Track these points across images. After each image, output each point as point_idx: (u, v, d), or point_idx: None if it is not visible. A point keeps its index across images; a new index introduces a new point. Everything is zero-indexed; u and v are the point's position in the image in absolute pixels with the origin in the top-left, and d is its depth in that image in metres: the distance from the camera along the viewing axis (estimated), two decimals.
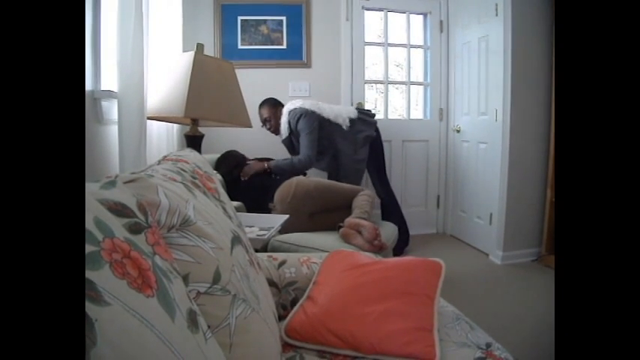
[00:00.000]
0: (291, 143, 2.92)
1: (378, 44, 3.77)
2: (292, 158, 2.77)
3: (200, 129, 2.20)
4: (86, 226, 0.54)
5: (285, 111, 2.87)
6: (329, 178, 2.97)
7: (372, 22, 3.80)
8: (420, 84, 3.92)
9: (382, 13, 3.65)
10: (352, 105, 3.44)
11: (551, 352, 1.44)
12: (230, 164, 2.54)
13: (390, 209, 3.25)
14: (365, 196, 2.19)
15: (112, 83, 1.82)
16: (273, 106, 2.95)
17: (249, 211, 2.12)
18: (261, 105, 2.97)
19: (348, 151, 2.93)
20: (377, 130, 3.09)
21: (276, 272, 1.25)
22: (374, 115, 3.13)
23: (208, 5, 3.33)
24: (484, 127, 3.34)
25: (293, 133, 2.84)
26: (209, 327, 0.70)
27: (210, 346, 0.66)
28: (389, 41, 3.71)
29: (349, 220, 2.02)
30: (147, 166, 0.95)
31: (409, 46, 3.76)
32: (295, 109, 2.82)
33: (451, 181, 3.86)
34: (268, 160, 2.73)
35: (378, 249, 1.90)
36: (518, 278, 2.82)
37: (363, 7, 3.55)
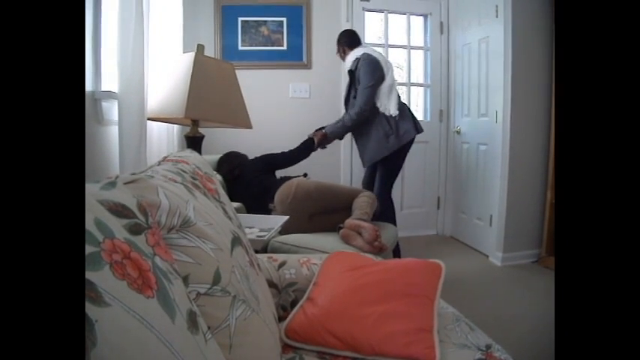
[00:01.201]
0: (352, 77, 2.85)
1: (379, 45, 3.76)
2: (343, 117, 2.80)
3: (200, 130, 2.20)
4: (86, 226, 0.54)
5: (361, 50, 2.83)
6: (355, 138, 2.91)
7: (373, 23, 3.80)
8: (420, 85, 3.92)
9: (382, 14, 3.65)
10: None
11: (551, 354, 1.44)
12: (232, 164, 2.54)
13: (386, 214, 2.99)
14: (365, 197, 2.19)
15: (113, 84, 1.82)
16: (344, 39, 2.95)
17: (249, 211, 2.12)
18: (342, 33, 3.00)
19: (381, 130, 2.76)
20: (411, 142, 2.86)
21: (276, 273, 1.25)
22: (422, 130, 2.90)
23: (209, 6, 3.33)
24: (484, 129, 3.34)
25: (357, 70, 2.79)
26: (209, 328, 0.70)
27: (210, 347, 0.66)
28: (389, 42, 3.71)
29: (349, 221, 2.02)
30: (147, 167, 0.95)
31: (409, 47, 3.76)
32: (370, 56, 2.77)
33: (451, 183, 3.86)
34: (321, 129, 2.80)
35: (378, 250, 1.90)
36: (518, 280, 2.82)
37: (363, 9, 3.56)
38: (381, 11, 3.63)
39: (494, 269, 3.06)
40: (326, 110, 3.46)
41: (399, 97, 2.90)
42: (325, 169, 3.42)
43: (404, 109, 2.83)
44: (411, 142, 2.85)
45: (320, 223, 2.18)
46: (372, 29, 3.82)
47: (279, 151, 2.71)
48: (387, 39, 3.69)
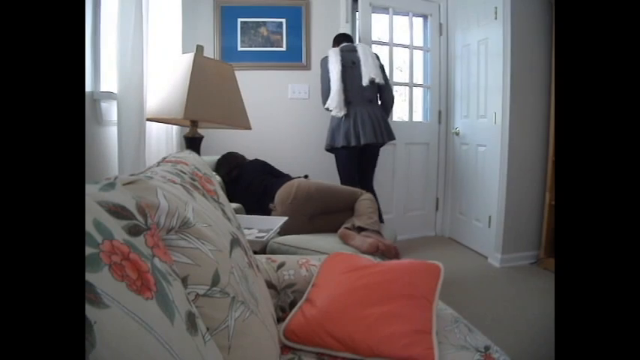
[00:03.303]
0: None
1: (382, 43, 3.64)
2: None
3: (199, 131, 2.20)
4: (86, 228, 0.54)
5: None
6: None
7: (373, 24, 3.78)
8: (419, 86, 3.90)
9: (380, 15, 3.62)
10: None
11: (551, 355, 1.44)
12: (231, 165, 2.54)
13: None
14: (368, 201, 2.18)
15: (112, 84, 1.82)
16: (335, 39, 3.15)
17: (248, 212, 2.12)
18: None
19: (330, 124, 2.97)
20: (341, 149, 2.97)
21: (275, 274, 1.25)
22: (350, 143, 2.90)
23: (208, 7, 3.33)
24: (483, 130, 3.34)
25: None
26: (208, 329, 0.70)
27: (209, 348, 0.66)
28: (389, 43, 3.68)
29: (369, 237, 1.96)
30: (146, 168, 0.95)
31: (412, 47, 3.71)
32: (326, 57, 3.00)
33: (450, 184, 3.86)
34: None
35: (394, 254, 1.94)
36: (516, 281, 2.82)
37: (370, 5, 3.45)
38: (385, 10, 3.57)
39: (493, 270, 3.06)
40: (325, 111, 3.46)
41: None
42: (325, 170, 3.42)
43: (345, 118, 2.88)
44: (342, 148, 2.92)
45: (320, 224, 2.17)
46: (373, 31, 3.79)
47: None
48: (391, 38, 3.60)
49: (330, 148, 3.02)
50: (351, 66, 2.90)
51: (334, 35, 3.29)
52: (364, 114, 2.87)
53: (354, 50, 2.96)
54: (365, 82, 2.86)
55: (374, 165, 3.16)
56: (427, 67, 3.83)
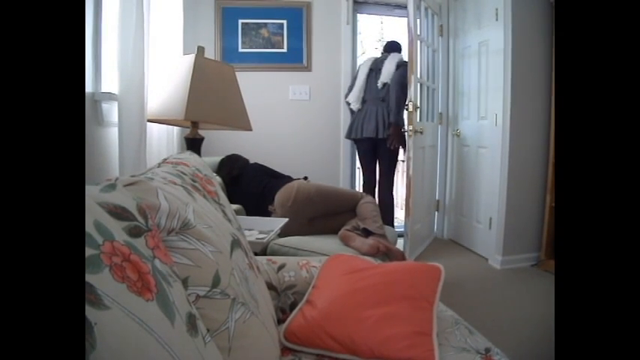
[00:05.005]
0: None
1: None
2: None
3: (200, 132, 2.20)
4: (86, 229, 0.54)
5: None
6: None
7: (370, 25, 3.79)
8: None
9: (378, 17, 3.63)
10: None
11: (551, 357, 1.44)
12: (232, 166, 2.54)
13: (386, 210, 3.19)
14: (370, 205, 2.18)
15: (113, 85, 1.82)
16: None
17: (248, 214, 2.12)
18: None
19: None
20: (355, 141, 3.38)
21: (276, 276, 1.25)
22: (353, 136, 3.30)
23: (209, 8, 3.34)
24: (484, 132, 3.34)
25: None
26: (208, 331, 0.70)
27: (209, 349, 0.66)
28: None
29: (377, 241, 1.97)
30: (147, 169, 0.95)
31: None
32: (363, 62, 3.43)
33: (451, 186, 3.85)
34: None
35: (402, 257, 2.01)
36: (517, 283, 2.82)
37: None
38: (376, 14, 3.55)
39: (494, 272, 3.06)
40: (326, 112, 3.47)
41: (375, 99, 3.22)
42: (326, 171, 3.42)
43: (358, 113, 3.28)
44: (355, 141, 3.35)
45: (320, 226, 2.17)
46: (372, 31, 3.80)
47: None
48: (425, 35, 3.44)
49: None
50: (376, 71, 3.25)
51: (335, 36, 3.35)
52: (372, 111, 3.17)
53: (386, 59, 3.26)
54: (379, 85, 3.20)
55: (386, 163, 3.28)
56: (436, 68, 3.79)
